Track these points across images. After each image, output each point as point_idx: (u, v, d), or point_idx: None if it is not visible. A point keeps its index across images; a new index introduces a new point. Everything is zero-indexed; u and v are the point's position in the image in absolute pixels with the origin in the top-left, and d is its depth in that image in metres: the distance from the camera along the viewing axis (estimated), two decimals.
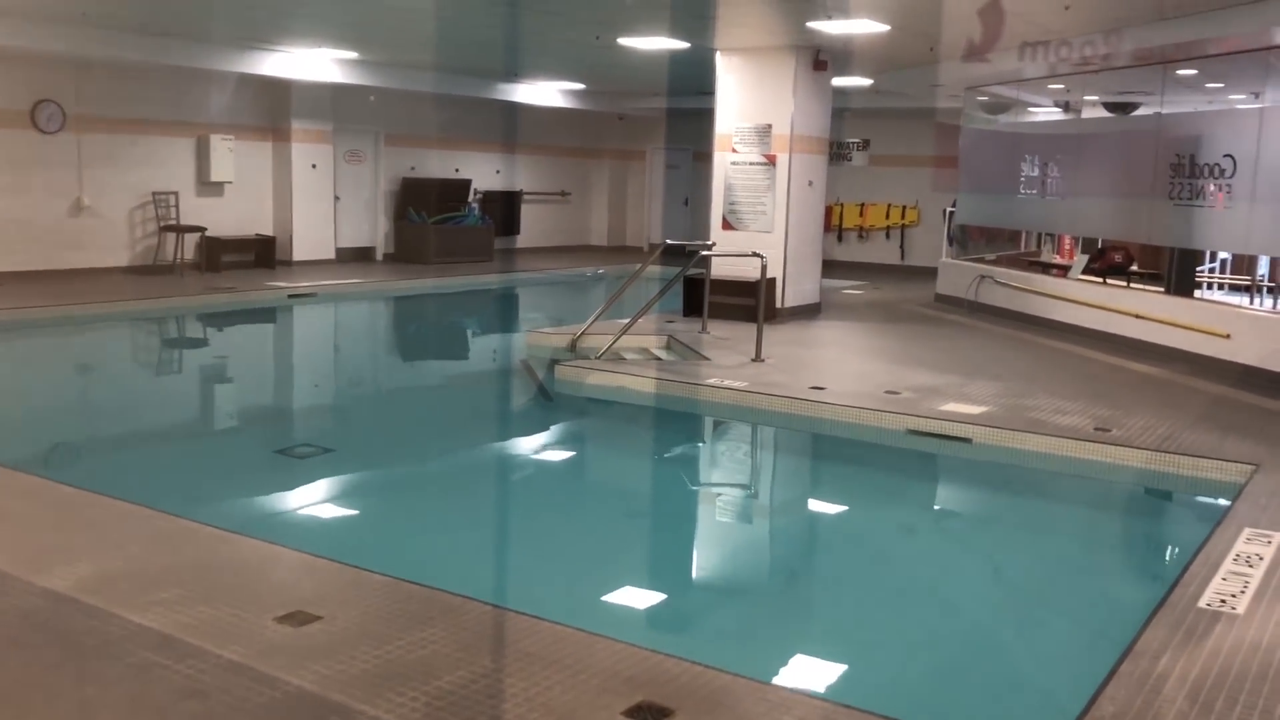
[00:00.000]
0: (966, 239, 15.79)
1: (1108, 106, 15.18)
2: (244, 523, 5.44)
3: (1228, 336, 9.73)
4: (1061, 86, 14.56)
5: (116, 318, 12.47)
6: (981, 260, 14.86)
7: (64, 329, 11.78)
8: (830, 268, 14.72)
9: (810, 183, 12.81)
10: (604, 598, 4.97)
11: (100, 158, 14.82)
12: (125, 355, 12.04)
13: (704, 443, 8.70)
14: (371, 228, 18.71)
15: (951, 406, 7.94)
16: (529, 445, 8.31)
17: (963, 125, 15.41)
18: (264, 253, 16.53)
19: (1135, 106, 14.46)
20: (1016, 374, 9.48)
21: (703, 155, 17.64)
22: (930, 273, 15.86)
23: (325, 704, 3.33)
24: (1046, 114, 16.08)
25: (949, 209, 15.56)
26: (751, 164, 12.50)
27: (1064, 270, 13.34)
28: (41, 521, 5.01)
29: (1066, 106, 16.03)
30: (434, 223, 18.64)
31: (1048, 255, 14.96)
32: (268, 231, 16.94)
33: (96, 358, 11.54)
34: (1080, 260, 13.16)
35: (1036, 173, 13.39)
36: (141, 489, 5.69)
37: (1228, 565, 4.82)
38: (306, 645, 3.75)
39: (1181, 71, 11.88)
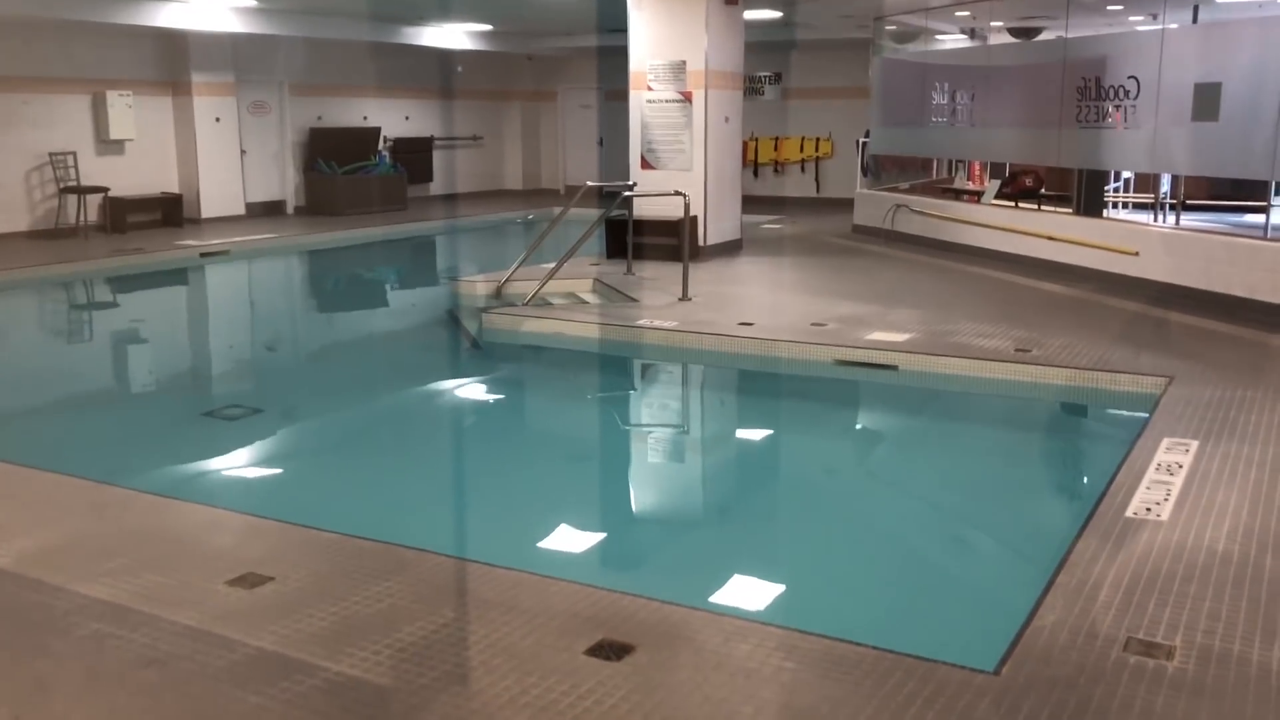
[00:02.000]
0: (880, 169, 15.96)
1: (1013, 32, 15.38)
2: (181, 488, 5.38)
3: (1136, 254, 10.04)
4: (968, 14, 14.70)
5: (19, 284, 12.05)
6: (896, 190, 15.06)
7: None
8: (748, 203, 14.78)
9: (727, 119, 12.82)
10: (555, 542, 5.02)
11: None
12: (34, 324, 11.65)
13: (638, 383, 8.75)
14: (281, 180, 18.27)
15: (876, 335, 8.09)
16: (462, 395, 8.29)
17: (872, 55, 15.50)
18: (171, 211, 16.05)
19: (1040, 31, 14.67)
20: (936, 301, 9.67)
21: (615, 94, 17.52)
22: (847, 204, 16.03)
23: (288, 662, 3.33)
24: (954, 41, 16.24)
25: (862, 140, 15.69)
26: (668, 101, 12.45)
27: (976, 196, 13.59)
28: None
29: (973, 33, 16.20)
30: (344, 173, 18.26)
31: (960, 182, 15.20)
32: (173, 189, 16.44)
33: (4, 327, 11.15)
34: (992, 186, 13.41)
35: (946, 100, 13.55)
36: (70, 460, 5.58)
37: (1150, 474, 5.03)
38: (261, 606, 3.74)
39: None
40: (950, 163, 15.98)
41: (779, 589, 4.49)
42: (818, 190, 20.72)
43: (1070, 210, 11.75)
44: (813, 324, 8.58)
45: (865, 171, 15.87)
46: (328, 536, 4.40)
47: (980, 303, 9.60)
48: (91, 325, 11.81)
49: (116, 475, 5.27)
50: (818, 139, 20.60)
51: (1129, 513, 4.57)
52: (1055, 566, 4.04)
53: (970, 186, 14.68)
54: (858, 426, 7.57)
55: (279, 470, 6.37)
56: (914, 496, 5.92)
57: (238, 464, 6.39)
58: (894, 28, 15.37)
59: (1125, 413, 6.76)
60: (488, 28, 18.93)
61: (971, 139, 13.33)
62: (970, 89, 13.09)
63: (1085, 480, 6.17)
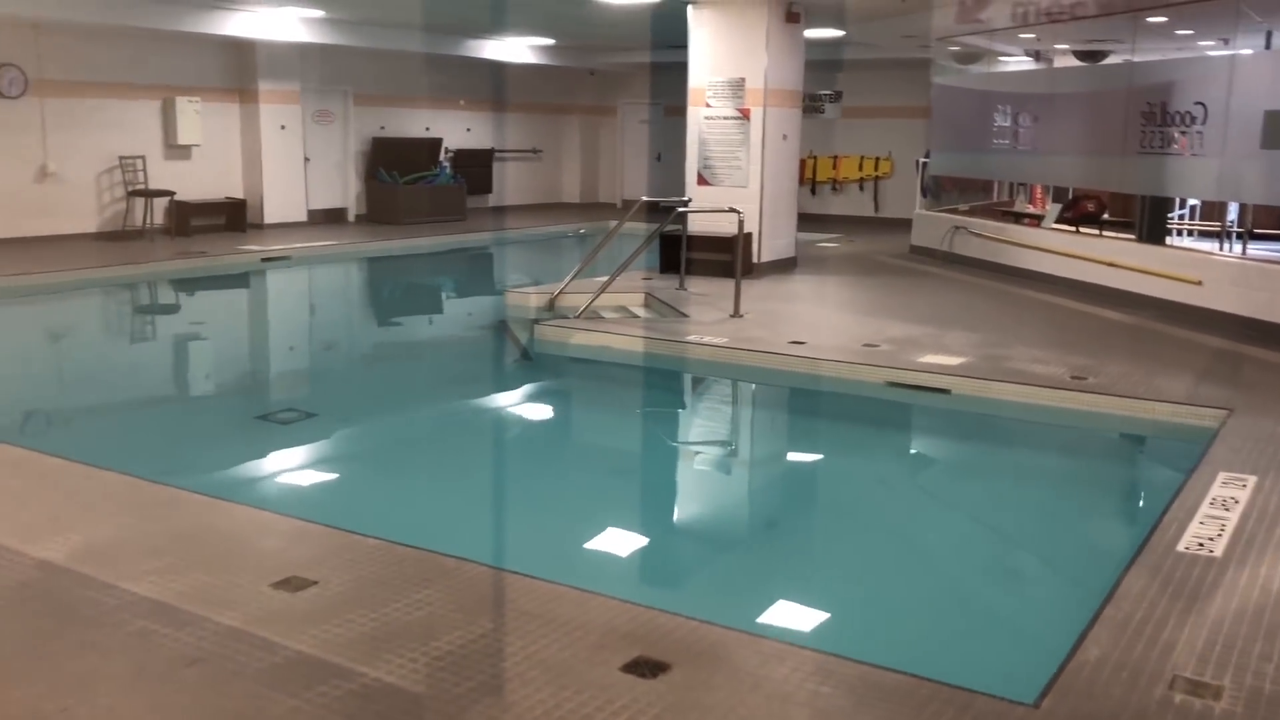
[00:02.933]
0: (940, 190, 15.83)
1: (1079, 55, 15.20)
2: (231, 490, 5.46)
3: (1199, 283, 9.84)
4: (1033, 36, 14.55)
5: (88, 285, 12.34)
6: (955, 211, 14.92)
7: (35, 298, 11.64)
8: (804, 221, 14.74)
9: (784, 136, 12.79)
10: (595, 556, 5.03)
11: (65, 123, 14.59)
12: (99, 323, 11.93)
13: (686, 399, 8.75)
14: (343, 188, 18.54)
15: (929, 358, 8.02)
16: (511, 406, 8.33)
17: (933, 76, 15.40)
18: (234, 216, 16.36)
19: (1106, 55, 14.48)
20: (992, 324, 9.56)
21: (675, 110, 17.54)
22: (904, 224, 15.91)
23: (326, 666, 3.37)
24: (1018, 64, 16.08)
25: (922, 160, 15.58)
26: (725, 118, 12.46)
27: (1037, 220, 13.42)
28: (29, 493, 5.00)
29: (1038, 56, 16.03)
30: (405, 182, 18.48)
31: (1021, 205, 15.03)
32: (238, 194, 16.75)
33: (71, 326, 11.43)
34: (1053, 209, 13.24)
35: (1009, 122, 13.41)
36: (126, 458, 5.68)
37: (1205, 509, 4.93)
38: (303, 610, 3.78)
39: (1152, 19, 11.90)
40: (1011, 185, 15.80)
41: (819, 612, 4.46)
42: (876, 210, 20.60)
43: (1133, 237, 11.56)
44: (865, 344, 8.52)
45: (925, 192, 15.75)
46: (371, 542, 4.44)
47: (1037, 328, 9.47)
48: (153, 326, 12.05)
49: (170, 475, 5.36)
50: (877, 158, 20.48)
51: (1180, 547, 4.47)
52: (1102, 599, 3.97)
53: (1031, 210, 14.51)
54: (907, 450, 7.50)
55: (328, 475, 6.44)
56: (961, 523, 5.84)
57: (288, 467, 6.47)
58: (956, 49, 15.26)
59: (1181, 444, 6.62)
60: (550, 42, 19.09)
61: (1033, 162, 13.18)
62: (1033, 112, 12.95)
63: (1137, 512, 6.05)
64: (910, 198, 16.65)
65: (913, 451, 7.52)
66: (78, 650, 3.46)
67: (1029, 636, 4.30)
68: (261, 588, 3.95)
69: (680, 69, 12.95)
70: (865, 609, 4.55)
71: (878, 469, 6.76)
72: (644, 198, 11.36)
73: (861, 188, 20.83)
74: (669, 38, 14.67)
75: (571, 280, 10.64)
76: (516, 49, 19.07)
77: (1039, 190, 15.15)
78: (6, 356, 9.55)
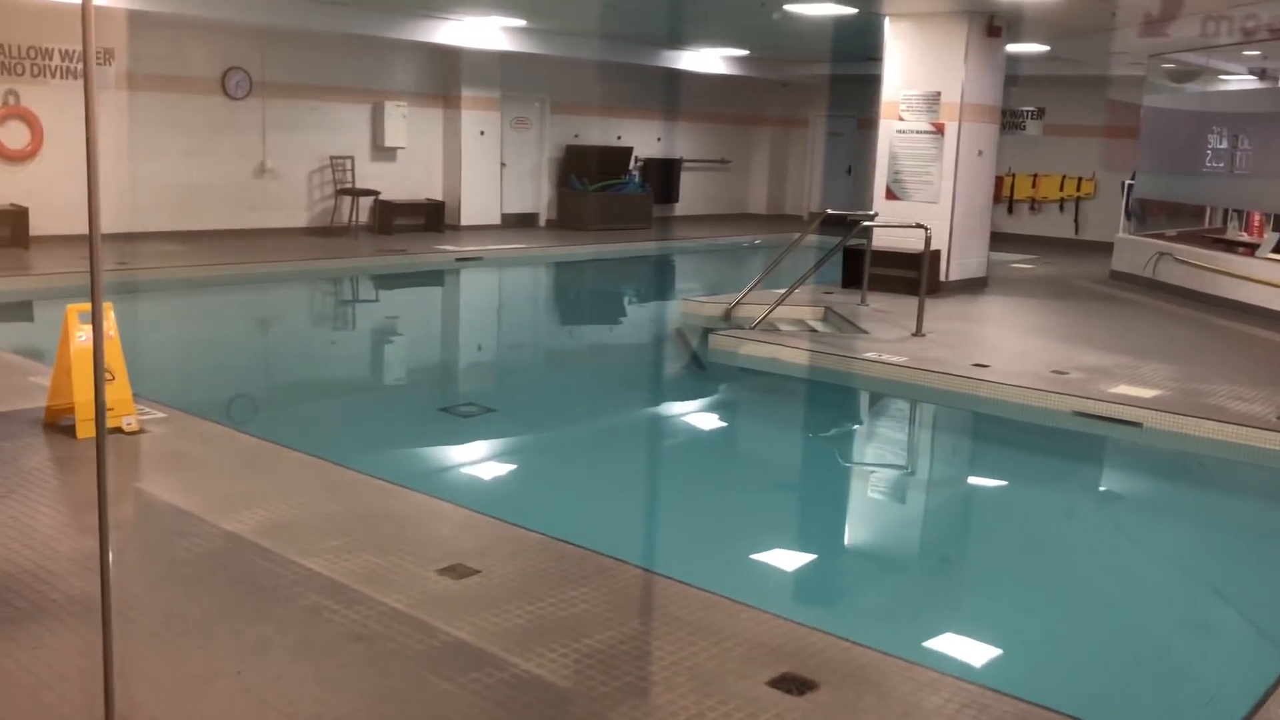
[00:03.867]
0: (1146, 213, 15.05)
1: None
2: (409, 476, 5.67)
3: None
4: (1258, 53, 13.67)
5: (296, 276, 13.10)
6: (1161, 236, 14.15)
7: (247, 286, 12.44)
8: (999, 240, 14.27)
9: (980, 152, 12.42)
10: (752, 567, 5.00)
11: (282, 123, 15.53)
12: (303, 312, 12.64)
13: (859, 417, 8.60)
14: (535, 194, 19.05)
15: (1122, 389, 7.64)
16: (682, 413, 8.38)
17: (1145, 94, 14.65)
18: (433, 217, 17.05)
19: None
20: (1194, 357, 9.03)
21: (868, 122, 17.30)
22: (1105, 248, 15.18)
23: (481, 654, 3.47)
24: (1240, 82, 15.12)
25: (1128, 181, 14.85)
26: (918, 132, 12.20)
27: (1251, 249, 12.58)
28: (225, 468, 5.34)
29: (1263, 74, 15.04)
30: (595, 190, 18.85)
31: (1234, 232, 14.12)
32: (437, 196, 17.45)
33: (277, 314, 12.16)
34: (1271, 238, 12.38)
35: (1225, 144, 12.64)
36: (315, 440, 5.97)
37: None
38: (465, 597, 3.91)
39: None
40: (1224, 211, 14.87)
41: (981, 644, 4.30)
42: (1076, 231, 19.75)
43: None
44: (1053, 371, 8.18)
45: (1129, 215, 15.01)
46: (534, 536, 4.55)
47: (1243, 363, 8.88)
48: (352, 317, 12.68)
49: (354, 459, 5.61)
50: (1079, 178, 19.64)
51: None
52: None
53: (1244, 238, 13.62)
54: (1090, 484, 7.15)
55: (500, 468, 6.64)
56: (1144, 563, 5.54)
57: (464, 459, 6.70)
58: (1171, 66, 14.47)
59: None
60: (743, 53, 19.12)
61: (1252, 188, 12.36)
62: (1255, 133, 12.15)
63: None
64: (1113, 220, 15.89)
65: (1097, 486, 7.16)
66: (254, 619, 3.67)
67: (1207, 689, 4.04)
68: (428, 573, 4.10)
69: (874, 81, 12.76)
70: (1032, 645, 4.37)
71: (1058, 501, 6.47)
72: (828, 210, 11.23)
73: (1062, 208, 20.01)
74: (864, 50, 14.48)
75: (750, 291, 10.62)
76: (709, 60, 19.19)
77: (1257, 218, 14.20)
78: (218, 340, 10.23)
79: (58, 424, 5.69)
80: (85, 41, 2.46)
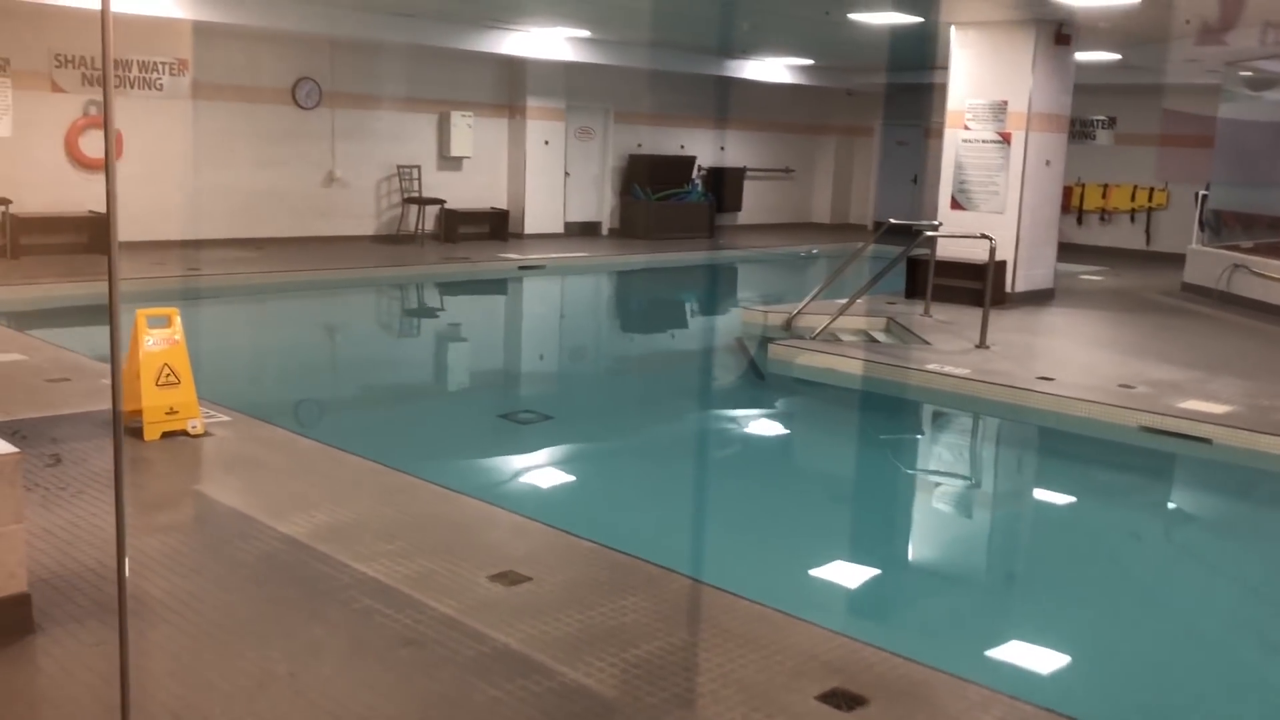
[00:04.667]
0: (1221, 225, 14.68)
1: None
2: (465, 482, 5.71)
3: None
4: None
5: (362, 283, 13.29)
6: (1236, 248, 13.79)
7: (314, 293, 12.65)
8: (1067, 251, 14.02)
9: (1048, 162, 12.23)
10: (804, 579, 4.96)
11: (351, 132, 15.79)
12: (369, 318, 12.82)
13: (920, 430, 8.50)
14: (598, 203, 19.13)
15: (1192, 404, 7.45)
16: (739, 423, 8.35)
17: (1221, 102, 14.31)
18: (497, 225, 17.19)
19: None
20: (1268, 372, 8.79)
21: (935, 131, 17.12)
22: (1178, 259, 14.84)
23: (528, 663, 3.48)
24: None
25: (1202, 191, 14.51)
26: (984, 142, 12.04)
27: None
28: (286, 472, 5.43)
29: None
30: (657, 199, 18.88)
31: None
32: (502, 205, 17.60)
33: (342, 320, 12.34)
34: None
35: None
36: (375, 445, 6.04)
37: None
38: (515, 604, 3.92)
39: None
40: None
41: (1038, 663, 4.22)
42: (1147, 242, 19.34)
43: None
44: (1121, 385, 8.02)
45: (1203, 226, 14.65)
46: (587, 545, 4.56)
47: None
48: (417, 325, 12.84)
49: (412, 464, 5.66)
50: (1151, 188, 19.24)
51: None
52: None
53: None
54: (1157, 501, 6.98)
55: (555, 476, 6.66)
56: (1212, 584, 5.40)
57: (520, 466, 6.73)
58: (1249, 74, 14.12)
59: None
60: (808, 62, 19.04)
61: None
62: None
63: None
64: (1186, 231, 15.54)
65: (1163, 503, 7.00)
66: (308, 621, 3.72)
67: (1274, 717, 3.91)
68: (480, 579, 4.13)
69: (941, 90, 12.62)
70: (1092, 665, 4.28)
71: (1122, 519, 6.33)
72: (891, 220, 11.13)
73: (1133, 219, 19.61)
74: (930, 58, 14.33)
75: (811, 301, 10.55)
76: (774, 69, 19.13)
77: None
78: (285, 345, 10.41)
79: (127, 426, 5.83)
80: (104, 45, 2.51)
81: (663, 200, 18.93)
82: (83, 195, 13.37)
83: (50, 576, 3.96)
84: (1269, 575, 5.53)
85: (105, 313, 9.77)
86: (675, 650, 3.61)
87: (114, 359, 2.68)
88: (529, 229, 17.63)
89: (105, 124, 2.54)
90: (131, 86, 13.70)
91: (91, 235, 13.00)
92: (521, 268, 14.90)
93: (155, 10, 12.40)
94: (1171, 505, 6.97)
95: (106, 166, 2.54)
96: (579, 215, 18.74)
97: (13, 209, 12.53)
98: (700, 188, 19.77)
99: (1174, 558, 5.82)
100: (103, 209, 13.20)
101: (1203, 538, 6.24)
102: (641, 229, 18.65)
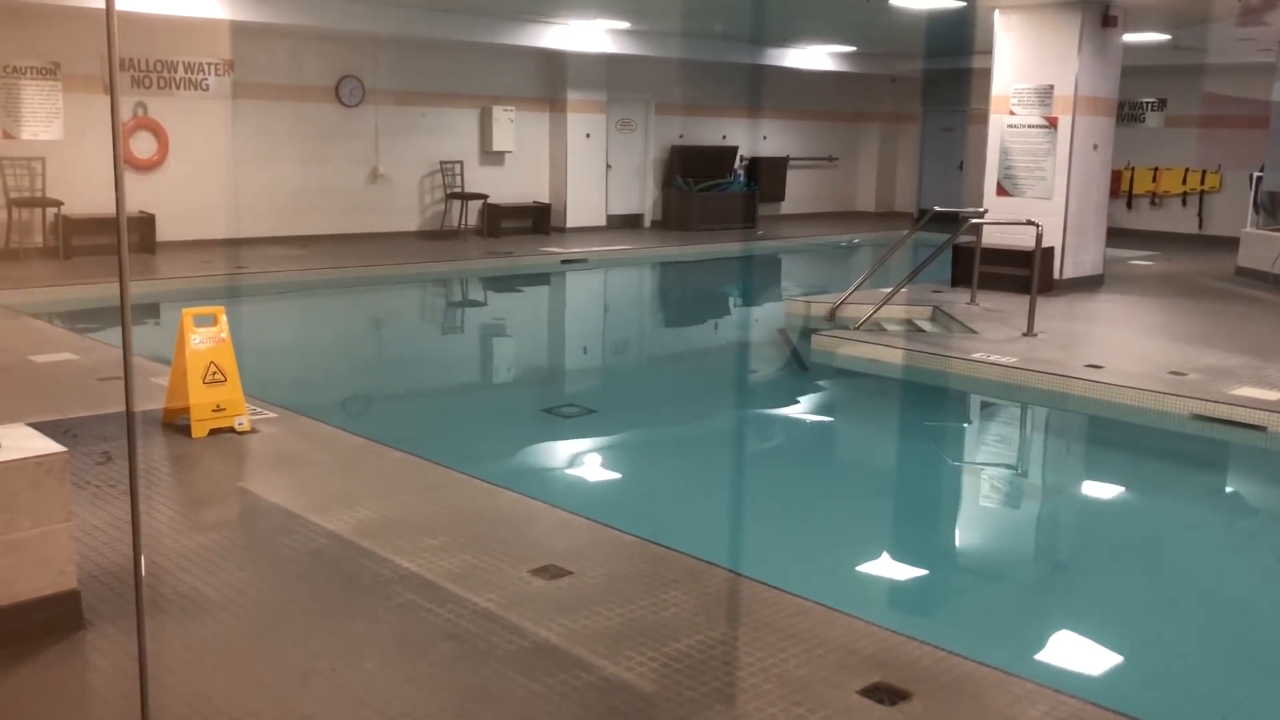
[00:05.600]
0: (1276, 207, 14.37)
1: None
2: (508, 477, 5.73)
3: None
4: None
5: (407, 279, 13.39)
6: None
7: (360, 289, 12.76)
8: (1117, 236, 13.79)
9: (1095, 146, 12.03)
10: (848, 573, 4.92)
11: (394, 129, 15.89)
12: (413, 314, 12.92)
13: (967, 420, 8.40)
14: (640, 195, 19.11)
15: (1245, 391, 7.30)
16: (783, 415, 8.30)
17: (1276, 82, 13.99)
18: (540, 219, 17.23)
19: None
20: None
21: (979, 117, 16.90)
22: (1231, 243, 14.56)
23: (567, 657, 3.49)
24: None
25: (1256, 174, 14.20)
26: (1030, 126, 11.87)
27: None
28: (331, 468, 5.48)
29: None
30: (699, 190, 18.82)
31: None
32: (544, 199, 17.64)
33: (387, 316, 12.44)
34: None
35: None
36: (419, 441, 6.08)
37: None
38: (556, 599, 3.93)
39: None
40: None
41: (1086, 657, 4.16)
42: (1200, 227, 18.99)
43: None
44: (1171, 373, 7.88)
45: (1258, 209, 14.35)
46: (628, 539, 4.55)
47: None
48: (460, 320, 12.91)
49: (456, 459, 5.69)
50: (1204, 171, 18.87)
51: None
52: None
53: None
54: (1210, 490, 6.85)
55: (598, 469, 6.67)
56: (1264, 577, 5.28)
57: (563, 460, 6.75)
58: None
59: None
60: (851, 49, 18.88)
61: None
62: None
63: None
64: (1240, 215, 15.23)
65: (1218, 493, 6.86)
66: (351, 617, 3.75)
67: None
68: (521, 573, 4.14)
69: (986, 75, 12.46)
70: (1142, 658, 4.20)
71: (1175, 510, 6.22)
72: (936, 208, 11.01)
73: (1184, 203, 19.25)
74: (978, 43, 14.14)
75: (855, 290, 10.47)
76: (816, 57, 18.99)
77: None
78: (330, 341, 10.51)
79: (175, 424, 5.91)
80: (110, 43, 2.53)
81: (705, 191, 18.87)
82: (131, 196, 13.58)
83: (99, 573, 4.03)
84: None
85: (155, 311, 9.90)
86: (716, 644, 3.60)
87: (126, 358, 2.70)
88: (571, 222, 17.65)
89: (113, 126, 2.55)
90: (178, 88, 13.89)
91: (142, 235, 13.19)
92: (564, 261, 14.93)
93: (199, 11, 12.55)
94: (1223, 494, 6.83)
95: (115, 169, 2.55)
96: (621, 208, 18.74)
97: (64, 210, 12.76)
98: (743, 178, 19.69)
99: (1226, 548, 5.70)
100: (152, 209, 13.41)
101: (1256, 526, 6.11)
102: (684, 220, 18.60)
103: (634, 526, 4.68)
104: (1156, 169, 19.29)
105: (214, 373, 5.79)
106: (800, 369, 9.28)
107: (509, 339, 11.59)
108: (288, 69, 14.78)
